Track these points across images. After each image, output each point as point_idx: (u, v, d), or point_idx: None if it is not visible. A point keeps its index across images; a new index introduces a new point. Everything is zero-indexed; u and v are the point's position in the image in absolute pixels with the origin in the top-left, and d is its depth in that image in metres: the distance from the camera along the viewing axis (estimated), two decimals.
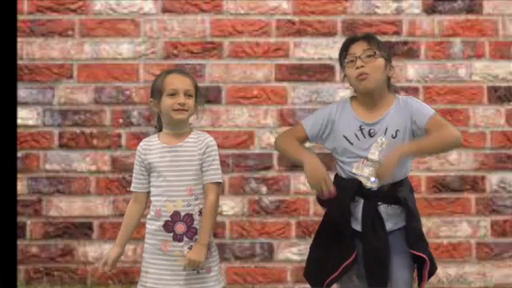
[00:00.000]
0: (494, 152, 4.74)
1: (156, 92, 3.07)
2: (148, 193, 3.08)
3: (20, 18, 4.69)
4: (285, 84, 4.75)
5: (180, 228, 3.00)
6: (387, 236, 2.97)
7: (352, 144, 3.03)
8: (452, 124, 3.06)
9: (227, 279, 4.68)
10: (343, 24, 4.77)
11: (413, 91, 4.74)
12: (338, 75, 4.73)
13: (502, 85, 4.77)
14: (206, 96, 4.73)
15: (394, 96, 3.13)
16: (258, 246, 4.70)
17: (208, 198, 3.00)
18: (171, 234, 2.99)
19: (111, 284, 4.66)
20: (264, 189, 4.72)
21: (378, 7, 4.78)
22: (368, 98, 3.07)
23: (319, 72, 4.75)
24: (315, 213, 4.63)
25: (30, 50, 4.74)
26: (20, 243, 4.55)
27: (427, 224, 4.71)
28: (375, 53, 3.04)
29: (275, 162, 4.72)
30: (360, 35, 3.15)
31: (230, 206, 4.70)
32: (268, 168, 4.73)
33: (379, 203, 2.99)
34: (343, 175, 3.06)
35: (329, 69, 4.75)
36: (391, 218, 3.01)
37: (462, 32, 4.78)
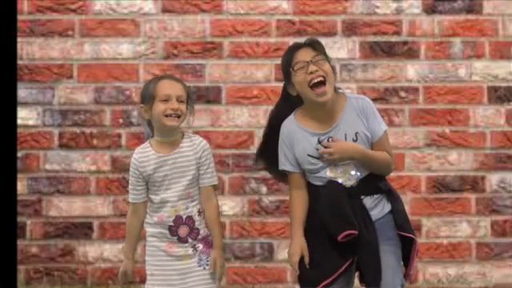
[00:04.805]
0: (494, 152, 4.74)
1: (147, 98, 3.04)
2: (146, 202, 3.09)
3: (20, 18, 4.69)
4: None
5: (183, 231, 3.02)
6: (374, 227, 3.00)
7: (318, 158, 3.04)
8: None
9: (227, 279, 4.68)
10: (343, 24, 4.77)
11: (413, 91, 4.74)
12: (338, 75, 4.73)
13: (502, 85, 4.77)
14: (206, 96, 4.73)
15: (344, 96, 3.10)
16: (257, 246, 4.70)
17: (212, 202, 3.07)
18: (175, 238, 3.03)
19: (111, 284, 4.67)
20: (264, 189, 4.72)
21: (377, 7, 4.78)
22: (320, 107, 3.03)
23: None
24: None
25: (30, 49, 4.74)
26: (20, 243, 4.55)
27: (427, 224, 4.71)
28: (324, 58, 3.04)
29: None
30: (302, 43, 3.11)
31: (230, 206, 4.70)
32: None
33: (362, 197, 3.03)
34: (320, 183, 3.07)
35: None
36: (375, 207, 3.05)
37: (462, 32, 4.78)
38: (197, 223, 3.04)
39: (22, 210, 4.64)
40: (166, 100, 3.00)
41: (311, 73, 2.98)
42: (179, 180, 3.02)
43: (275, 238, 4.71)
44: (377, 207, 3.05)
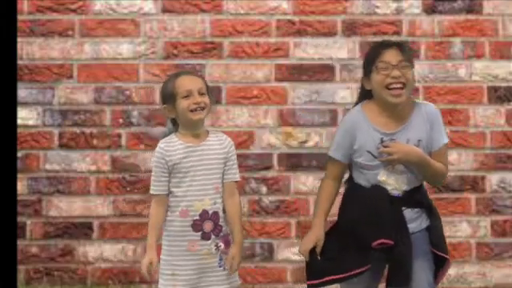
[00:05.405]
0: (494, 152, 4.74)
1: (168, 97, 3.06)
2: (168, 195, 3.06)
3: (20, 17, 4.68)
4: (285, 84, 4.75)
5: (208, 226, 3.02)
6: (411, 240, 2.98)
7: (376, 157, 3.02)
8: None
9: None
10: (343, 24, 4.77)
11: (413, 91, 4.73)
12: (338, 75, 4.73)
13: (502, 85, 4.77)
14: None
15: (413, 100, 3.10)
16: (257, 246, 4.69)
17: (235, 197, 3.09)
18: (199, 233, 3.01)
19: (111, 284, 4.66)
20: (264, 189, 4.72)
21: (377, 7, 4.78)
22: (391, 107, 3.03)
23: (319, 72, 4.75)
24: None
25: (30, 49, 4.74)
26: (20, 243, 4.55)
27: None
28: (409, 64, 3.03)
29: (275, 161, 4.72)
30: (392, 42, 3.09)
31: None
32: (268, 168, 4.73)
33: (403, 208, 3.01)
34: (365, 183, 3.06)
35: (329, 69, 4.75)
36: (414, 220, 3.04)
37: (462, 32, 4.78)
38: (221, 220, 3.05)
39: (22, 210, 4.64)
40: (188, 95, 3.02)
41: (393, 77, 2.97)
42: (206, 172, 3.02)
43: (275, 238, 4.71)
44: (416, 221, 3.04)
